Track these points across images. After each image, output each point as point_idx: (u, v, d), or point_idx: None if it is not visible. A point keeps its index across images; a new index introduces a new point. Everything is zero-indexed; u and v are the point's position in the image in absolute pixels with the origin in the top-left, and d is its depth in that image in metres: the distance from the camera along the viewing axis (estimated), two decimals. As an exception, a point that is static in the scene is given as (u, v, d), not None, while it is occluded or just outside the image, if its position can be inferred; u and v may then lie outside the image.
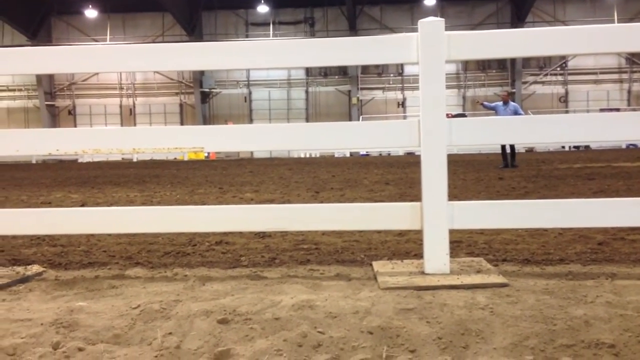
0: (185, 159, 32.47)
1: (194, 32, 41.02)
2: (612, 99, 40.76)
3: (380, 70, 42.48)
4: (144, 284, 3.10)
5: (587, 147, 33.70)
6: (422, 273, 3.09)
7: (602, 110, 36.63)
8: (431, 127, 3.10)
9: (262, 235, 4.43)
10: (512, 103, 15.67)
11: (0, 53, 3.44)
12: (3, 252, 3.98)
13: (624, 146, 32.37)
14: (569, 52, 3.32)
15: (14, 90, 42.31)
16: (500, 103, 15.50)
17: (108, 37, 42.05)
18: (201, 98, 42.70)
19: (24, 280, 3.22)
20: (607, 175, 10.73)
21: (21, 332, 2.30)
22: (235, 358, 2.05)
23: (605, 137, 3.22)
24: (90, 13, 41.03)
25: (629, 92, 40.98)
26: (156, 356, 2.08)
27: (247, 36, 41.98)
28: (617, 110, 34.96)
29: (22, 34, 40.24)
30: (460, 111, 39.46)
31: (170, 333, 2.29)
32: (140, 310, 2.57)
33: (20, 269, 3.41)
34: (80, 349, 2.13)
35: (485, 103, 16.13)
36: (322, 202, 7.01)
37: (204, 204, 7.07)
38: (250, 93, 43.31)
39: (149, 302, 2.67)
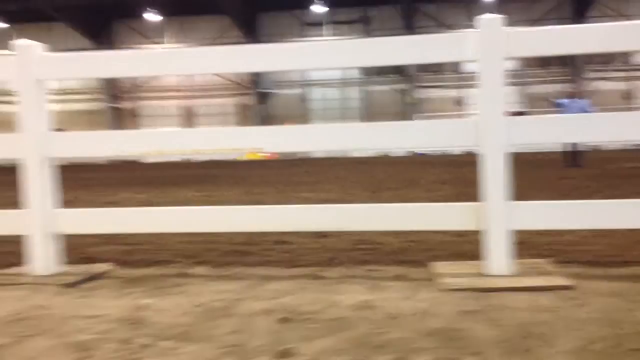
0: (243, 159, 32.90)
1: (250, 34, 41.50)
2: (679, 94, 39.19)
3: (437, 68, 42.00)
4: (207, 282, 3.17)
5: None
6: (483, 274, 3.06)
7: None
8: (489, 125, 3.06)
9: (320, 235, 4.46)
10: (580, 100, 15.24)
11: (70, 57, 3.58)
12: (74, 250, 4.13)
13: (693, 143, 31.04)
14: (631, 48, 3.21)
15: (80, 93, 43.72)
16: (569, 100, 15.10)
17: (168, 40, 43.01)
18: (258, 99, 43.15)
19: (94, 277, 3.34)
20: (675, 174, 10.32)
21: (92, 328, 2.40)
22: (297, 357, 2.08)
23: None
24: (151, 17, 42.00)
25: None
26: (220, 353, 2.13)
27: (302, 37, 42.14)
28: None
29: (85, 37, 41.54)
30: (520, 109, 38.61)
31: (232, 331, 2.34)
32: (204, 308, 2.64)
33: (89, 266, 3.55)
34: (147, 345, 2.21)
35: (558, 101, 15.71)
36: (379, 202, 7.00)
37: (261, 203, 7.16)
38: (306, 93, 43.51)
39: (211, 300, 2.74)
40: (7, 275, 3.37)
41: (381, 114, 41.20)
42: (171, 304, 2.73)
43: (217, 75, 41.01)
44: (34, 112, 3.36)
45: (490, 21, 3.07)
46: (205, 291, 2.97)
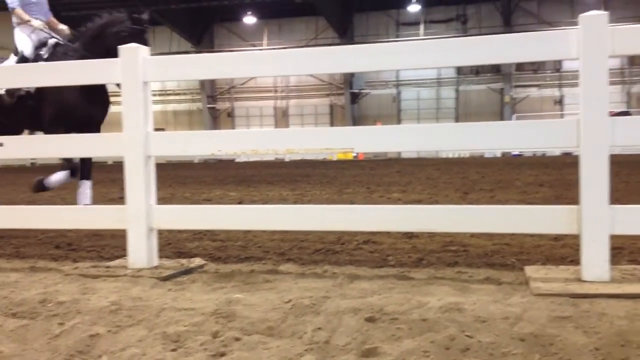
0: (334, 159, 33.13)
1: (345, 34, 41.72)
2: None
3: (536, 67, 40.58)
4: (296, 279, 3.23)
5: None
6: (579, 280, 2.94)
7: None
8: (592, 126, 2.94)
9: (409, 235, 4.43)
10: None
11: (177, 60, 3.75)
12: (169, 245, 4.32)
13: None
14: None
15: (179, 94, 45.51)
16: None
17: (265, 42, 43.97)
18: (351, 99, 43.29)
19: (188, 271, 3.48)
20: None
21: (184, 321, 2.50)
22: (382, 356, 2.08)
23: None
24: (249, 19, 43.09)
25: None
26: (306, 350, 2.16)
27: (397, 36, 41.91)
28: None
29: (187, 40, 43.17)
30: (624, 108, 36.67)
31: (319, 328, 2.37)
32: (292, 304, 2.69)
33: (184, 261, 3.70)
34: (237, 339, 2.27)
35: None
36: (471, 203, 6.86)
37: (352, 203, 7.20)
38: (399, 93, 43.21)
39: (300, 297, 2.79)
40: (109, 267, 3.57)
41: (477, 114, 40.29)
42: (261, 299, 2.80)
43: (311, 75, 41.48)
44: (139, 112, 3.54)
45: (594, 18, 2.95)
46: (294, 288, 3.02)
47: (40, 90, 5.27)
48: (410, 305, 2.64)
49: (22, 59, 5.60)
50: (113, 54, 3.75)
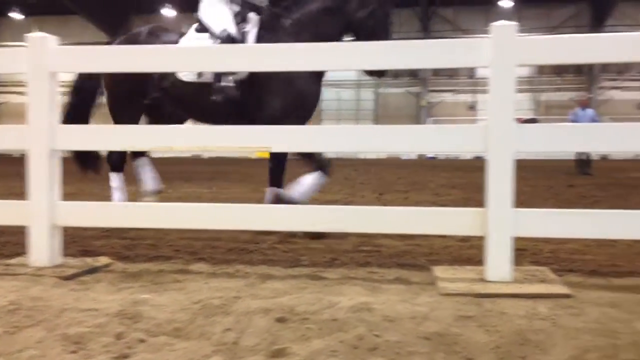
0: (254, 157, 32.95)
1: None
2: (695, 106, 38.77)
3: (451, 72, 41.82)
4: (207, 279, 3.17)
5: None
6: (484, 280, 3.04)
7: (684, 117, 34.86)
8: (499, 132, 3.05)
9: (324, 235, 4.46)
10: (589, 109, 15.18)
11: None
12: (75, 243, 4.15)
13: None
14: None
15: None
16: (579, 109, 15.04)
17: (184, 36, 43.22)
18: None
19: (92, 271, 3.35)
20: (686, 185, 10.23)
21: (87, 322, 2.41)
22: (291, 357, 2.08)
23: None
24: (168, 12, 42.16)
25: None
26: (214, 351, 2.13)
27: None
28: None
29: (102, 31, 41.78)
30: (533, 116, 38.40)
31: (229, 329, 2.34)
32: (202, 305, 2.64)
33: (89, 260, 3.56)
34: (142, 341, 2.21)
35: (570, 116, 15.55)
36: (385, 204, 6.97)
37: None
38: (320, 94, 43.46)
39: (210, 298, 2.75)
40: (8, 265, 3.40)
41: (395, 117, 41.06)
42: (169, 299, 2.73)
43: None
44: (44, 104, 3.38)
45: (503, 28, 3.06)
46: (205, 288, 2.97)
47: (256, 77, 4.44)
48: (321, 305, 2.65)
49: (228, 39, 4.56)
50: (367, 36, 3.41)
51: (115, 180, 5.17)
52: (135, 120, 5.00)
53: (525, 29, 3.03)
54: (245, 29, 4.69)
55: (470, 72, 41.18)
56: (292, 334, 2.29)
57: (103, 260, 3.58)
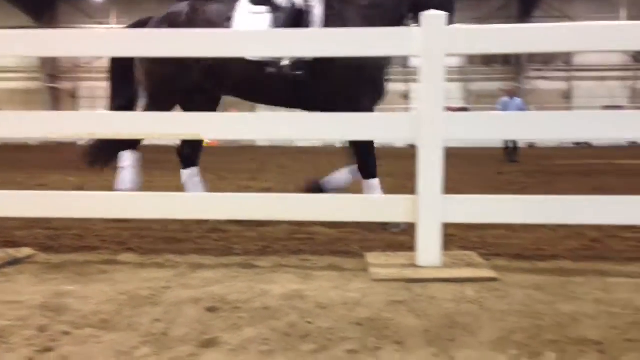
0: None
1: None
2: (616, 96, 40.57)
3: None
4: (135, 269, 3.10)
5: (587, 143, 33.60)
6: (415, 266, 3.09)
7: (605, 107, 36.43)
8: (429, 120, 3.08)
9: (257, 223, 4.42)
10: (516, 98, 15.67)
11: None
12: (-4, 234, 3.97)
13: (625, 143, 32.28)
14: (570, 48, 3.30)
15: (15, 71, 42.13)
16: (507, 98, 15.49)
17: (114, 20, 41.87)
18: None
19: (15, 262, 3.21)
20: (605, 172, 10.70)
21: (8, 315, 2.31)
22: (222, 346, 2.06)
23: (604, 135, 3.20)
24: (95, -4, 40.85)
25: (633, 89, 40.82)
26: (142, 342, 2.08)
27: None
28: (620, 108, 34.80)
29: (28, 16, 40.04)
30: (463, 105, 39.32)
31: (157, 320, 2.29)
32: (129, 296, 2.58)
33: (11, 251, 3.41)
34: (66, 333, 2.14)
35: (498, 105, 15.95)
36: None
37: (201, 191, 7.04)
38: (253, 81, 43.06)
39: (138, 288, 2.68)
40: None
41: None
42: (95, 291, 2.65)
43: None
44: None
45: (433, 18, 3.09)
46: (132, 279, 2.89)
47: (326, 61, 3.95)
48: (253, 293, 2.64)
49: (293, 13, 4.11)
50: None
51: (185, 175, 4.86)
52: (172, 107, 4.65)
53: (453, 20, 3.05)
54: (310, 2, 4.23)
55: (403, 61, 41.74)
56: (223, 323, 2.26)
57: (26, 251, 3.43)
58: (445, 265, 3.07)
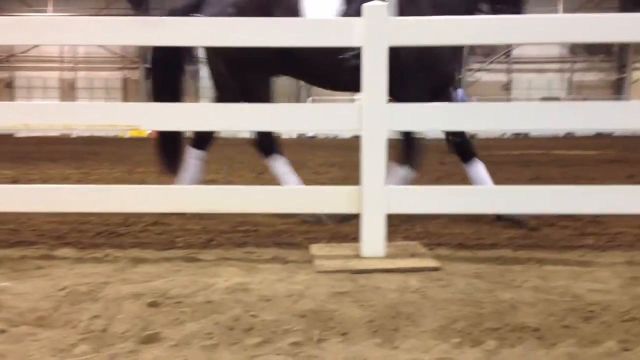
0: (127, 136, 31.76)
1: (140, 6, 39.92)
2: (554, 88, 41.82)
3: (329, 53, 42.35)
4: (73, 265, 3.01)
5: (526, 134, 34.54)
6: (359, 256, 3.11)
7: (543, 99, 37.50)
8: (371, 111, 3.10)
9: (200, 216, 4.36)
10: (459, 89, 15.98)
11: None
12: None
13: (561, 134, 33.33)
14: (509, 41, 3.36)
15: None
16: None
17: (50, 8, 40.55)
18: (146, 74, 41.61)
19: (-55, 259, 3.08)
20: (543, 162, 11.02)
21: (-62, 313, 2.21)
22: (164, 342, 2.02)
23: (544, 126, 3.29)
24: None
25: (570, 81, 42.15)
26: (81, 339, 2.03)
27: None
28: (558, 99, 35.92)
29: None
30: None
31: (96, 316, 2.23)
32: (67, 291, 2.51)
33: (-59, 247, 3.27)
34: (2, 331, 2.08)
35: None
36: (264, 184, 6.96)
37: (143, 183, 6.91)
38: (197, 70, 42.49)
39: (76, 284, 2.61)
40: None
41: (276, 96, 41.02)
42: (31, 287, 2.57)
43: (102, 47, 39.24)
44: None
45: (375, 9, 3.09)
46: (71, 274, 2.81)
47: None
48: (196, 287, 2.60)
49: None
50: None
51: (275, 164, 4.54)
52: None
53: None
54: None
55: (348, 53, 41.81)
56: (165, 318, 2.22)
57: (-42, 247, 3.29)
58: (390, 256, 3.10)
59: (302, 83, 41.58)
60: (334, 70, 4.20)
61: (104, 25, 3.29)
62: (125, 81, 42.70)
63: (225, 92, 4.68)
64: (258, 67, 4.35)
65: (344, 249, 3.28)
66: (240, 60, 4.30)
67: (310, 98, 39.76)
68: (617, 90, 41.07)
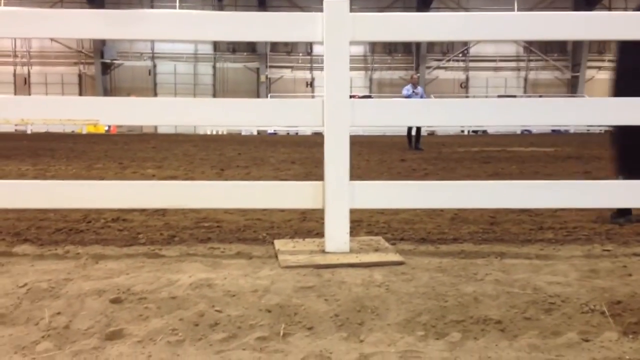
0: (84, 132, 31.19)
1: (94, 0, 39.16)
2: (510, 86, 42.63)
3: (289, 49, 42.29)
4: (33, 261, 2.95)
5: (484, 131, 35.13)
6: (323, 252, 3.12)
7: (499, 96, 38.15)
8: (334, 107, 3.11)
9: (162, 212, 4.32)
10: (419, 87, 16.19)
11: None
12: None
13: (519, 131, 33.99)
14: (467, 38, 3.41)
15: None
16: (410, 86, 15.94)
17: (3, 2, 39.50)
18: (102, 69, 40.96)
19: None
20: (502, 159, 11.23)
21: None
22: (128, 338, 2.00)
23: (502, 122, 3.35)
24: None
25: (526, 79, 43.00)
26: (43, 336, 1.99)
27: (152, 7, 40.51)
28: (514, 97, 36.60)
29: None
30: (367, 93, 40.02)
31: (59, 313, 2.19)
32: (27, 289, 2.46)
33: None
34: (-42, 331, 2.01)
35: (405, 92, 16.27)
36: (226, 180, 6.93)
37: (102, 179, 6.81)
38: (154, 66, 42.01)
39: (37, 281, 2.56)
40: None
41: (234, 92, 40.84)
42: (-10, 285, 2.51)
43: (57, 41, 38.41)
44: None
45: (336, 4, 3.10)
46: (31, 271, 2.75)
47: None
48: (159, 283, 2.57)
49: None
50: None
51: None
52: None
53: (356, 8, 3.08)
54: None
55: (307, 49, 41.92)
56: (129, 315, 2.20)
57: None
58: (353, 251, 3.12)
59: (262, 79, 41.50)
60: None
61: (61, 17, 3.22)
62: (81, 76, 41.89)
63: None
64: None
65: (308, 244, 3.29)
66: None
67: (270, 94, 39.66)
68: (572, 88, 42.09)
